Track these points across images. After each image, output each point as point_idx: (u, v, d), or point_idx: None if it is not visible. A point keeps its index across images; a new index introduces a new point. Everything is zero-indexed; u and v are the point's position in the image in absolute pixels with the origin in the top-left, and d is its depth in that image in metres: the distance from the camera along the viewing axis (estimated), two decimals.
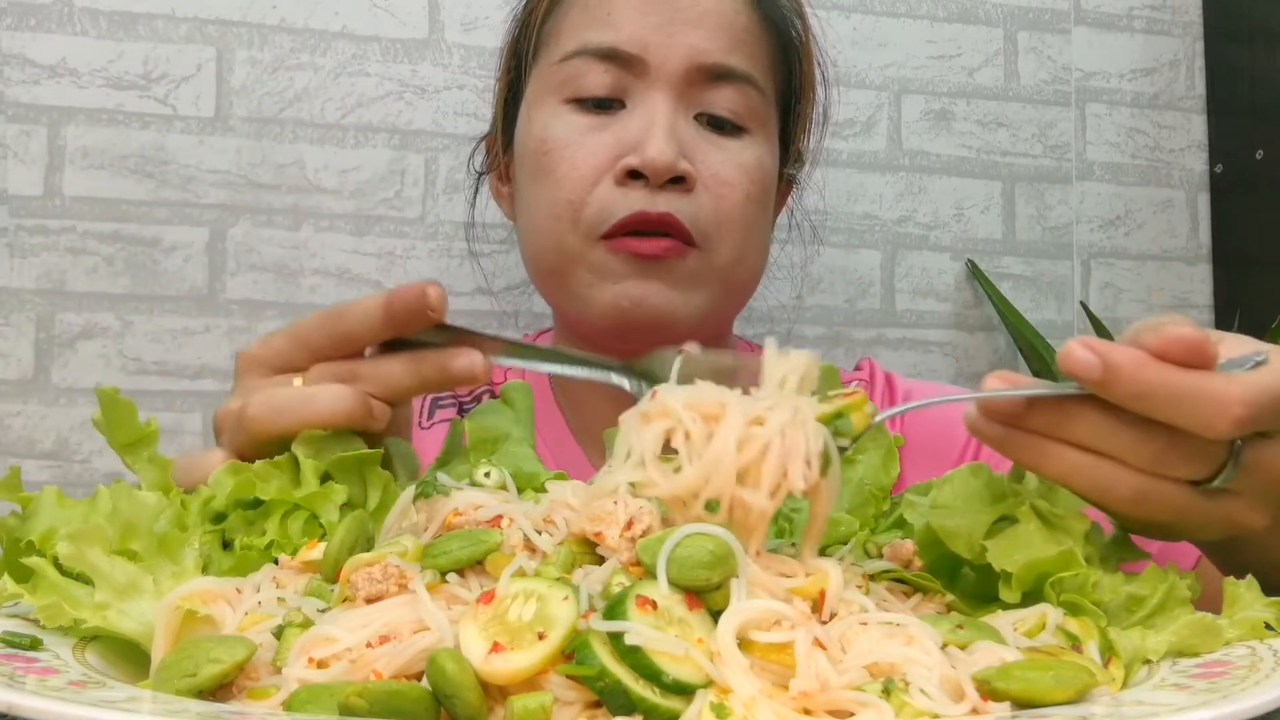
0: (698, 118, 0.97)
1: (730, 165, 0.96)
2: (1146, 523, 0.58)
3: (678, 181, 0.93)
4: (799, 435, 0.53)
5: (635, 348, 0.77)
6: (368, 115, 1.39)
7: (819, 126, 1.13)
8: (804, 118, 1.09)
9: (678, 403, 0.55)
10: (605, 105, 0.97)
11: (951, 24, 1.59)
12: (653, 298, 0.92)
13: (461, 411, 1.06)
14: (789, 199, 1.15)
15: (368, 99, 1.40)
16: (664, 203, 0.92)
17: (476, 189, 1.24)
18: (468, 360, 0.63)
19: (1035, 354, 1.52)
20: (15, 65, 1.31)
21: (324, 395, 0.62)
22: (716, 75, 0.96)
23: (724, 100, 0.97)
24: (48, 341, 1.31)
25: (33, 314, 1.31)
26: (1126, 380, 0.53)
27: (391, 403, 0.65)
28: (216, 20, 1.36)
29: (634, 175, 0.93)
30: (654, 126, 0.93)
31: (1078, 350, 0.53)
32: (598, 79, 0.96)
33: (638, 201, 0.92)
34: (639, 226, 0.92)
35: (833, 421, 0.55)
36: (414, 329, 0.64)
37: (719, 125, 0.97)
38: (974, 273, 1.59)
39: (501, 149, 1.08)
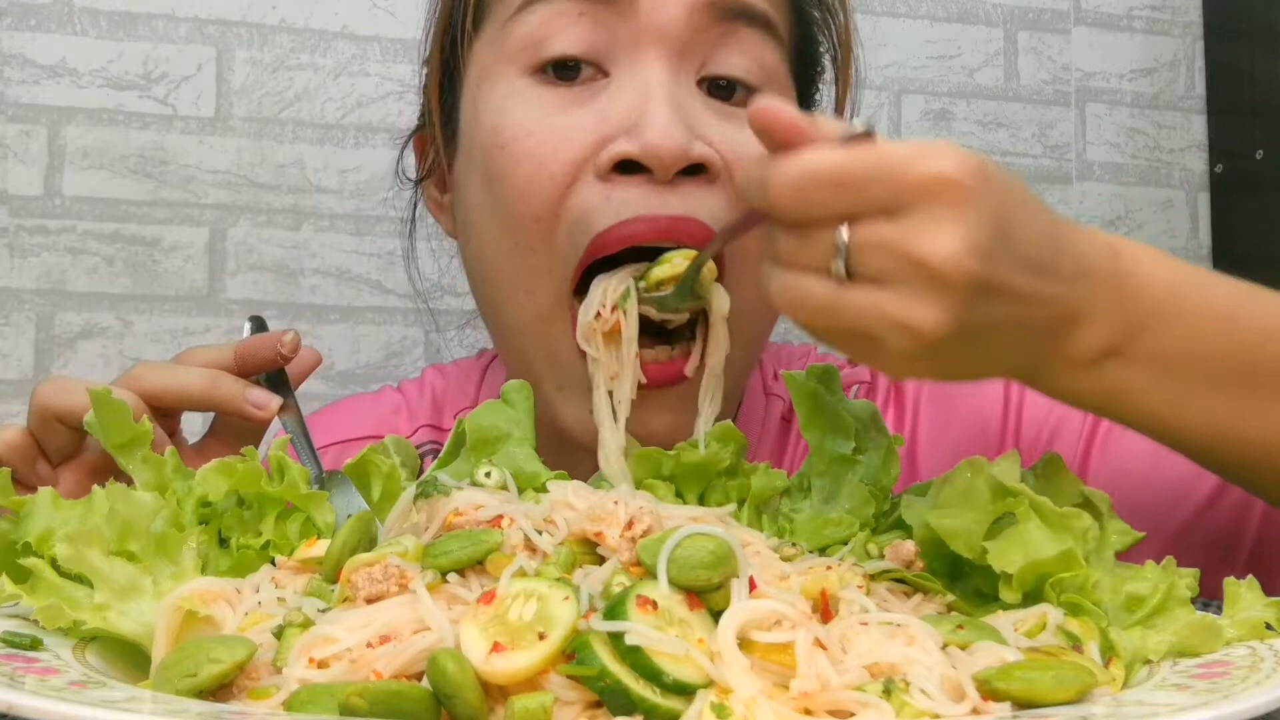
0: (700, 84, 0.74)
1: (755, 145, 0.72)
2: (812, 328, 0.54)
3: (694, 171, 0.69)
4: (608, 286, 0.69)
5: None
6: (368, 115, 1.39)
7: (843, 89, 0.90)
8: (846, 81, 0.87)
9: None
10: (577, 72, 0.72)
11: (951, 24, 1.59)
12: (653, 423, 0.70)
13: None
14: None
15: (368, 99, 1.40)
16: (679, 200, 0.68)
17: (415, 201, 0.97)
18: (264, 396, 0.71)
19: None
20: (15, 65, 1.31)
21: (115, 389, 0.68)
22: (731, 14, 0.72)
23: (737, 55, 0.73)
24: (48, 341, 1.31)
25: (33, 314, 1.30)
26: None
27: (175, 405, 0.71)
28: (216, 20, 1.36)
29: (627, 168, 0.69)
30: (651, 98, 0.69)
31: None
32: (569, 31, 0.72)
33: (640, 199, 0.68)
34: (642, 239, 0.68)
35: (645, 273, 0.68)
36: (262, 365, 0.72)
37: (727, 92, 0.74)
38: None
39: (442, 146, 0.85)
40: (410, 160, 0.97)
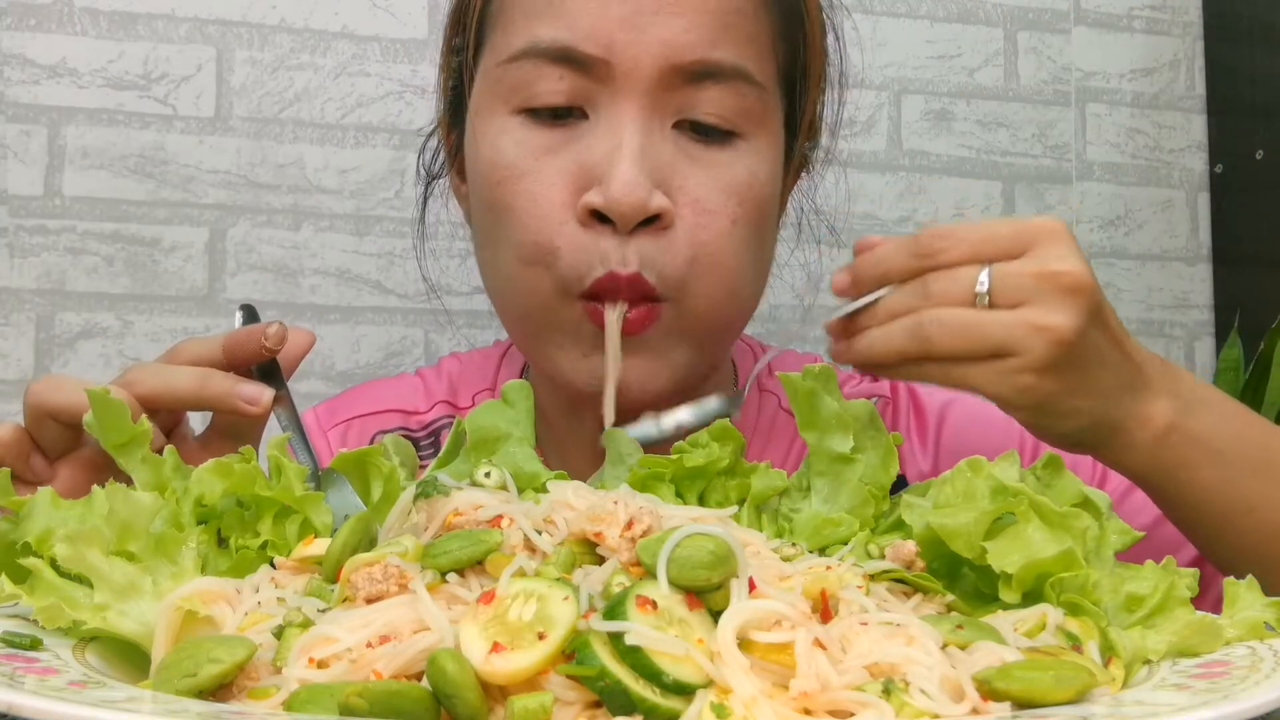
0: (678, 125, 0.81)
1: (715, 188, 0.80)
2: (955, 349, 0.67)
3: (652, 220, 0.78)
4: None
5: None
6: (368, 115, 1.39)
7: (835, 90, 0.94)
8: (813, 91, 0.90)
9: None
10: (563, 115, 0.80)
11: (951, 24, 1.59)
12: (629, 374, 0.78)
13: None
14: (799, 181, 0.97)
15: (368, 99, 1.40)
16: (635, 254, 0.77)
17: (426, 195, 1.04)
18: (255, 390, 0.71)
19: None
20: (15, 65, 1.31)
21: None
22: (699, 75, 0.79)
23: (709, 104, 0.80)
24: (48, 341, 1.31)
25: (33, 314, 1.30)
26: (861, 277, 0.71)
27: (169, 407, 0.71)
28: (216, 20, 1.36)
29: (599, 215, 0.77)
30: (620, 150, 0.77)
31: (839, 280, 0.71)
32: (551, 87, 0.79)
33: (607, 253, 0.77)
34: (608, 294, 0.78)
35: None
36: (248, 359, 0.72)
37: (704, 131, 0.81)
38: None
39: (457, 143, 0.91)
40: (424, 158, 1.02)
